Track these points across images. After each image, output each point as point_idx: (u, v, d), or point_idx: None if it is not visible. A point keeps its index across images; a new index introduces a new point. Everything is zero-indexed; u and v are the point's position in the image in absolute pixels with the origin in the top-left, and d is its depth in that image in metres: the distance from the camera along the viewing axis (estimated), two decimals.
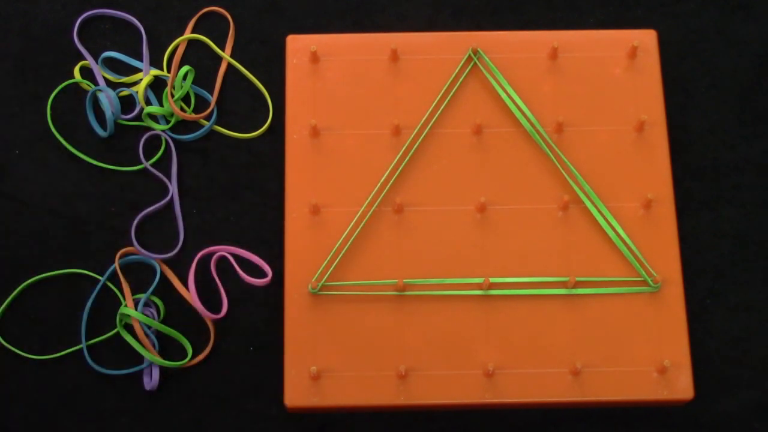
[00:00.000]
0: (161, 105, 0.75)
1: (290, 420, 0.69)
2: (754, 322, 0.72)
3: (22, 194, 0.73)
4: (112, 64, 0.76)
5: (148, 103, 0.75)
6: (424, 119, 0.72)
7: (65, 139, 0.74)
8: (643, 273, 0.69)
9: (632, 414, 0.69)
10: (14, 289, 0.71)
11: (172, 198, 0.73)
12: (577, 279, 0.69)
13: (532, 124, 0.72)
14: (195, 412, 0.69)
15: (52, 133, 0.74)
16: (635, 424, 0.69)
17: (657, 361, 0.67)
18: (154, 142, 0.75)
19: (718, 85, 0.77)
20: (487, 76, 0.73)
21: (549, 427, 0.69)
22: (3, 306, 0.71)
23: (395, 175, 0.71)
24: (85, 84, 0.76)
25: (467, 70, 0.73)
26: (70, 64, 0.76)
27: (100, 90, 0.74)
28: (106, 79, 0.76)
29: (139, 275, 0.71)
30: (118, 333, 0.70)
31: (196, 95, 0.76)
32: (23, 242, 0.72)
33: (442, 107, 0.72)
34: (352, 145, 0.71)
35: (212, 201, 0.73)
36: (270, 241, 0.72)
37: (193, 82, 0.76)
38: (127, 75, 0.76)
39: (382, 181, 0.70)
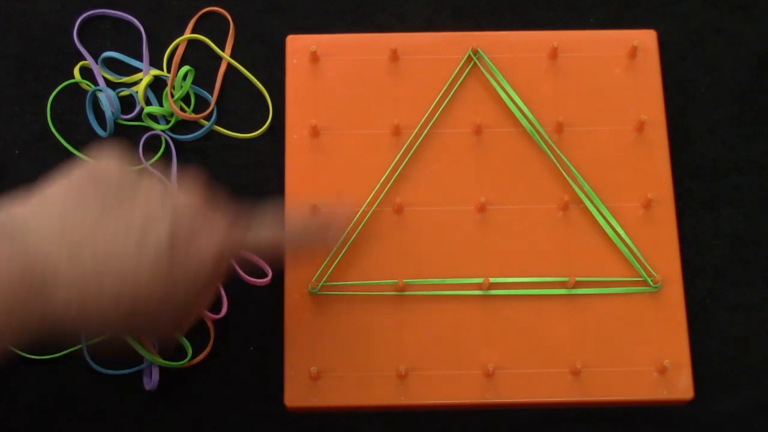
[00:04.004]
0: (161, 105, 0.75)
1: (290, 420, 0.69)
2: (754, 322, 0.72)
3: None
4: (112, 64, 0.76)
5: (148, 103, 0.75)
6: (424, 119, 0.72)
7: (65, 139, 0.74)
8: (643, 273, 0.69)
9: (632, 414, 0.69)
10: None
11: None
12: (577, 279, 0.69)
13: (532, 124, 0.72)
14: (195, 412, 0.69)
15: (52, 133, 0.74)
16: (635, 424, 0.69)
17: (657, 361, 0.67)
18: (154, 142, 0.75)
19: (718, 85, 0.77)
20: (487, 76, 0.73)
21: (549, 427, 0.69)
22: None
23: (395, 175, 0.71)
24: (85, 84, 0.76)
25: (467, 70, 0.73)
26: (70, 64, 0.76)
27: (100, 90, 0.74)
28: (106, 79, 0.76)
29: None
30: None
31: (196, 95, 0.76)
32: None
33: (442, 107, 0.72)
34: (352, 145, 0.71)
35: None
36: None
37: (193, 82, 0.76)
38: (127, 75, 0.76)
39: (382, 181, 0.71)
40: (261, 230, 0.59)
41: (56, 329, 0.51)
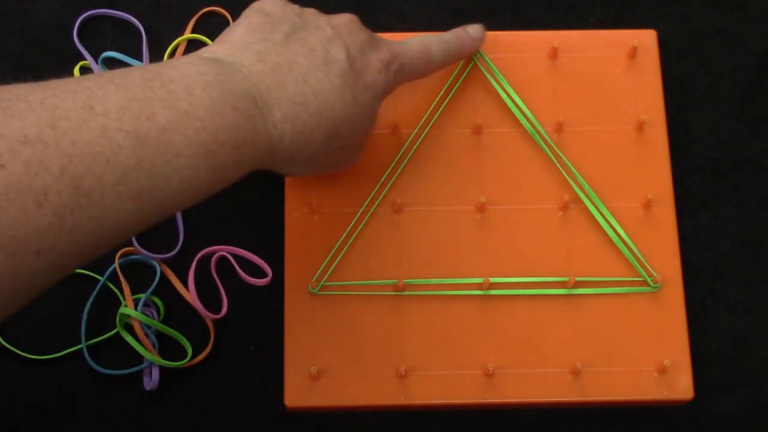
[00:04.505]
0: None
1: (290, 420, 0.69)
2: (754, 322, 0.72)
3: None
4: (112, 64, 0.76)
5: None
6: (424, 119, 0.72)
7: None
8: (643, 273, 0.69)
9: (632, 414, 0.69)
10: None
11: None
12: (577, 279, 0.69)
13: (532, 124, 0.72)
14: (195, 412, 0.69)
15: None
16: (635, 424, 0.69)
17: (657, 361, 0.67)
18: None
19: (718, 85, 0.77)
20: (487, 76, 0.73)
21: (549, 427, 0.69)
22: None
23: (395, 175, 0.71)
24: None
25: (467, 70, 0.73)
26: (70, 64, 0.76)
27: None
28: None
29: (139, 275, 0.71)
30: (118, 333, 0.70)
31: None
32: None
33: (442, 107, 0.72)
34: None
35: (212, 201, 0.73)
36: (270, 241, 0.72)
37: None
38: None
39: (382, 181, 0.71)
40: (411, 41, 0.66)
41: (270, 158, 0.57)
